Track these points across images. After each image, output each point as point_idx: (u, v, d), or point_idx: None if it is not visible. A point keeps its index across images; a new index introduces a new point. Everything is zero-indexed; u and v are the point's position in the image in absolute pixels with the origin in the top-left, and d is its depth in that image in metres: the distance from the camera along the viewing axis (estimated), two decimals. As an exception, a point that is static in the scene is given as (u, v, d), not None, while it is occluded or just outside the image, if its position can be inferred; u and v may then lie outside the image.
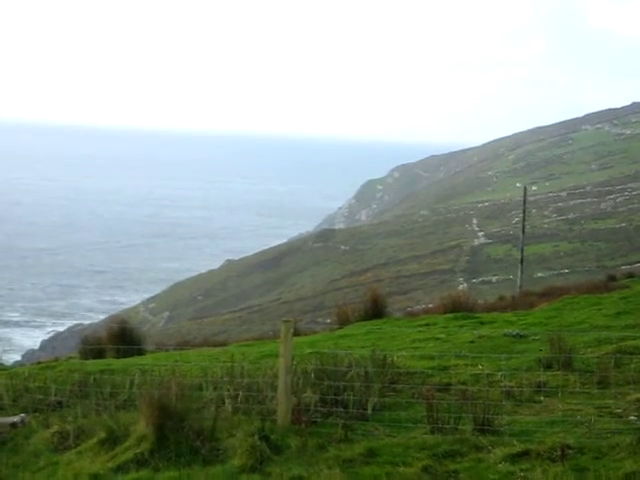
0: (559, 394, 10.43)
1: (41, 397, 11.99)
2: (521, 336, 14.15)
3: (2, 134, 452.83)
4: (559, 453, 8.15)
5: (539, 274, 65.20)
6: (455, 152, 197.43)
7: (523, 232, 38.47)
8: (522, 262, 37.15)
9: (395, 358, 12.01)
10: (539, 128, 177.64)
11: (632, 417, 9.38)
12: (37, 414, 11.49)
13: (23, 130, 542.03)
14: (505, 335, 14.29)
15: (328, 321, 37.04)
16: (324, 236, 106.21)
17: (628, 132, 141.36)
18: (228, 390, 10.64)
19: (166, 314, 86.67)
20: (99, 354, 17.02)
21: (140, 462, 9.07)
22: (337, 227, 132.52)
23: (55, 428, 10.56)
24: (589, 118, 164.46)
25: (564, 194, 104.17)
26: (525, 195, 40.00)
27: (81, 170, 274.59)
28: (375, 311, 19.45)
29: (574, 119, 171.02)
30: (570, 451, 8.26)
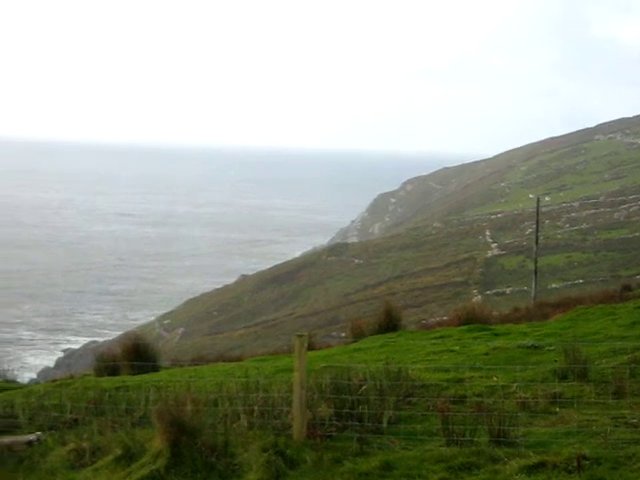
0: (574, 405, 10.39)
1: (57, 415, 12.04)
2: (536, 347, 14.08)
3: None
4: (575, 464, 8.12)
5: (553, 285, 64.97)
6: (467, 164, 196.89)
7: (537, 243, 38.37)
8: (536, 273, 37.08)
9: (410, 371, 12.00)
10: (551, 139, 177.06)
11: (648, 427, 9.33)
12: (53, 432, 11.53)
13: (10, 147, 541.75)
14: (520, 346, 14.22)
15: (342, 335, 36.97)
16: (337, 250, 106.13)
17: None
18: (243, 405, 10.66)
19: (181, 330, 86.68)
20: (114, 371, 17.07)
21: (156, 479, 9.12)
22: (350, 241, 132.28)
23: (71, 445, 10.60)
24: (601, 128, 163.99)
25: (577, 204, 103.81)
26: (538, 206, 39.94)
27: (77, 187, 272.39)
28: (389, 324, 19.40)
29: (586, 129, 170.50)
30: (586, 462, 8.23)
